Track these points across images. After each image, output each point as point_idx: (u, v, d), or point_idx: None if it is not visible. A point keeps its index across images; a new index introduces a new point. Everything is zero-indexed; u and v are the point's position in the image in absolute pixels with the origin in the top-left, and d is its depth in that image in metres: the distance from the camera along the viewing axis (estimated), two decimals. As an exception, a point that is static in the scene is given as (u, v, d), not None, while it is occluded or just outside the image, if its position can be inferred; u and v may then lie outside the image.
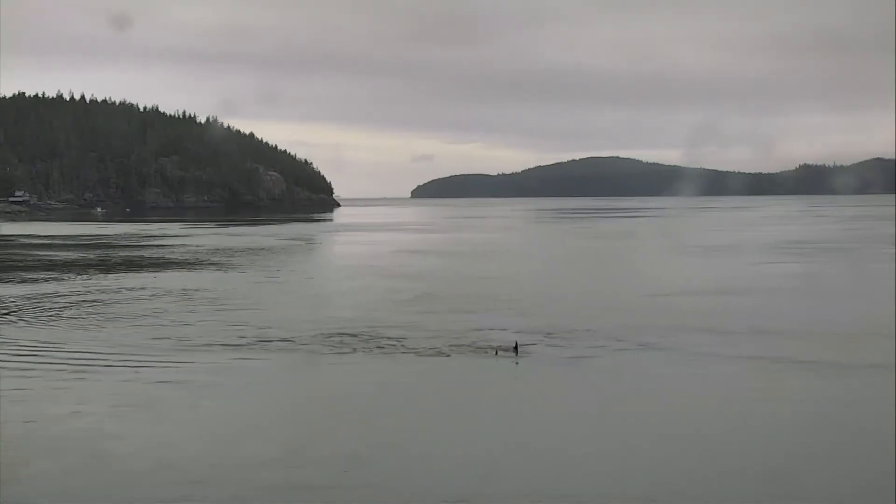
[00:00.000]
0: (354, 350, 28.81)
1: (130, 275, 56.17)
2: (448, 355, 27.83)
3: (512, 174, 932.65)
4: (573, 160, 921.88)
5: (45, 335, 32.09)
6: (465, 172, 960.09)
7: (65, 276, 55.29)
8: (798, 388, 23.74)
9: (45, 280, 52.34)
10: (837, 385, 24.06)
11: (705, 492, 15.97)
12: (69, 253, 79.00)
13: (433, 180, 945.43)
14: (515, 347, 27.58)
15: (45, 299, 42.49)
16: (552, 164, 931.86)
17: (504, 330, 32.27)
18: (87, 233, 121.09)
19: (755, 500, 15.52)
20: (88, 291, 46.05)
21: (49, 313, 37.83)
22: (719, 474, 16.89)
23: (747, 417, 20.87)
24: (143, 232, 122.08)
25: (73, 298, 42.93)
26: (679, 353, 28.00)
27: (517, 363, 26.40)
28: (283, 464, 17.60)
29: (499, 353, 27.26)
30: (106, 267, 63.09)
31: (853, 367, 25.96)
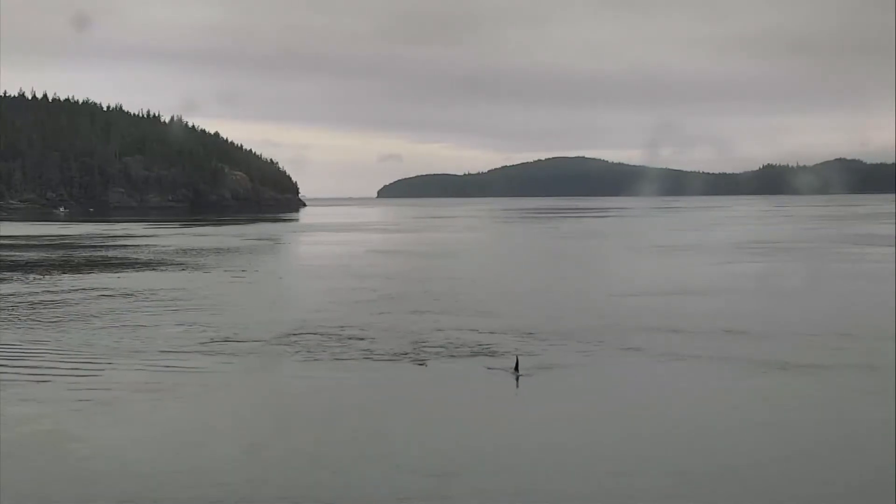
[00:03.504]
0: (320, 352, 28.57)
1: (93, 276, 55.56)
2: (414, 357, 27.63)
3: (478, 174, 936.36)
4: (539, 160, 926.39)
5: (5, 337, 31.60)
6: (432, 172, 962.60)
7: (26, 277, 54.61)
8: (781, 388, 23.74)
9: (6, 281, 51.64)
10: (818, 386, 24.09)
11: (693, 494, 15.83)
12: (31, 253, 78.07)
13: (399, 180, 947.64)
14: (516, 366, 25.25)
15: (5, 300, 41.91)
16: (518, 164, 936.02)
17: (473, 331, 32.17)
18: (50, 233, 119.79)
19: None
20: (50, 292, 45.47)
21: (9, 314, 37.32)
22: (705, 475, 16.80)
23: (732, 419, 20.76)
24: (106, 232, 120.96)
25: (35, 299, 42.38)
26: (652, 354, 27.89)
27: (488, 368, 26.04)
28: (246, 465, 17.47)
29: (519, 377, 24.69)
30: (68, 268, 62.36)
31: (831, 368, 26.01)
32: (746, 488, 15.96)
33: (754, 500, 15.47)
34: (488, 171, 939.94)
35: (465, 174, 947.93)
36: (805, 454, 18.08)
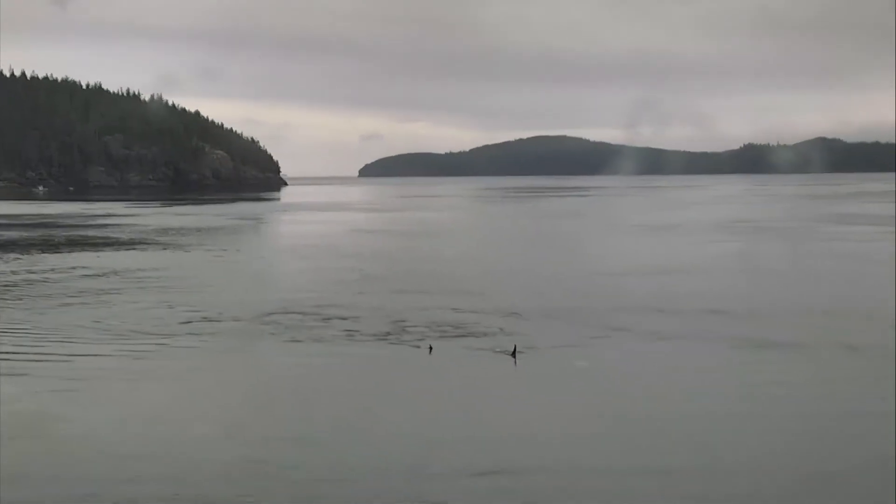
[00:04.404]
0: (302, 332, 28.33)
1: (73, 255, 55.12)
2: (396, 337, 27.42)
3: (460, 153, 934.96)
4: (521, 139, 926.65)
5: (-16, 317, 31.25)
6: (414, 151, 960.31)
7: (5, 256, 54.10)
8: (768, 368, 23.55)
9: (-15, 261, 51.14)
10: (804, 365, 23.95)
11: (685, 477, 15.67)
12: (10, 233, 77.45)
13: (381, 159, 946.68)
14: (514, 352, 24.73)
15: (-15, 280, 41.49)
16: (500, 143, 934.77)
17: (458, 311, 31.99)
18: (29, 212, 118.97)
19: (743, 495, 15.16)
20: (29, 272, 45.09)
21: (-12, 295, 36.91)
22: (698, 457, 16.62)
23: (722, 401, 20.55)
24: (86, 211, 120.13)
25: (14, 279, 42.01)
26: (639, 335, 27.70)
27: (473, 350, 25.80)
28: (227, 444, 17.31)
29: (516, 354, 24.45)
30: (48, 247, 61.90)
31: (816, 347, 25.91)
32: (742, 470, 15.83)
33: (749, 482, 15.33)
34: (470, 150, 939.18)
35: (446, 153, 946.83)
36: (795, 432, 17.92)
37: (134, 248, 60.28)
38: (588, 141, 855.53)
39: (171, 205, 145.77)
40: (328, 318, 30.48)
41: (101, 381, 22.25)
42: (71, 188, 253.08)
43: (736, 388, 21.48)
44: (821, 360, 24.55)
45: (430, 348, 25.69)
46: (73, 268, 47.10)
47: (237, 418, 19.35)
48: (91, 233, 77.30)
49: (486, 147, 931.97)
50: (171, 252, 57.88)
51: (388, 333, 27.85)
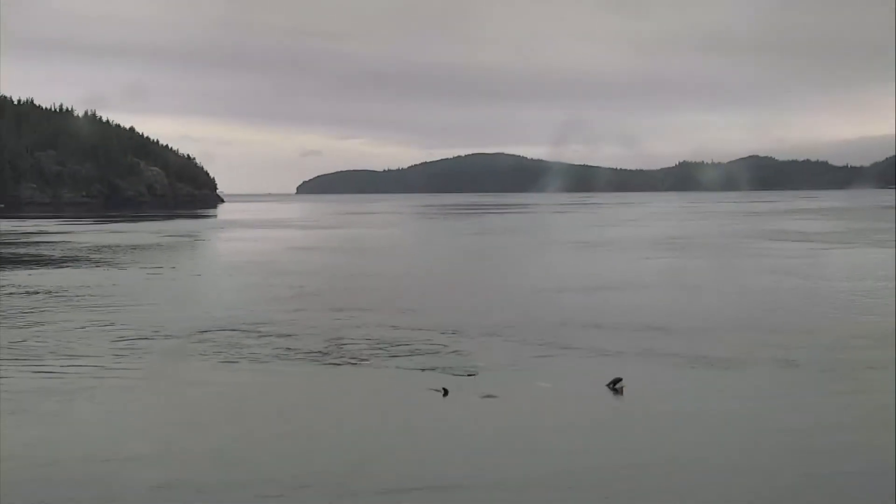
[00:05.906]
0: (237, 350, 27.84)
1: (2, 274, 53.88)
2: (335, 355, 27.05)
3: (398, 170, 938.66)
4: (459, 156, 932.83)
5: None
6: (352, 168, 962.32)
7: (-68, 274, 52.73)
8: (713, 384, 23.57)
9: (-89, 279, 49.78)
10: (747, 382, 23.94)
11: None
12: (-63, 250, 75.61)
13: (319, 176, 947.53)
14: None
15: None
16: (438, 160, 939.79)
17: (394, 327, 31.68)
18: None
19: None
20: (-43, 291, 43.91)
21: (-87, 314, 35.84)
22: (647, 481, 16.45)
23: (692, 421, 20.34)
24: (17, 229, 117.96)
25: (-59, 298, 40.85)
26: (591, 352, 27.48)
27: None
28: (158, 464, 16.92)
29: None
30: (-23, 265, 60.46)
31: (757, 364, 25.91)
32: (713, 488, 15.71)
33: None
34: (408, 167, 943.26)
35: (384, 170, 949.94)
36: (762, 448, 17.82)
37: (66, 266, 59.14)
38: (525, 158, 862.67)
39: (105, 222, 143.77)
40: (265, 336, 30.03)
41: (29, 402, 21.61)
42: (1, 205, 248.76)
43: (701, 405, 21.41)
44: (758, 374, 24.56)
45: (445, 391, 22.58)
46: (2, 286, 46.04)
47: (170, 437, 18.91)
48: (22, 250, 75.80)
49: (425, 164, 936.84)
50: (105, 270, 56.83)
51: (327, 351, 27.46)
